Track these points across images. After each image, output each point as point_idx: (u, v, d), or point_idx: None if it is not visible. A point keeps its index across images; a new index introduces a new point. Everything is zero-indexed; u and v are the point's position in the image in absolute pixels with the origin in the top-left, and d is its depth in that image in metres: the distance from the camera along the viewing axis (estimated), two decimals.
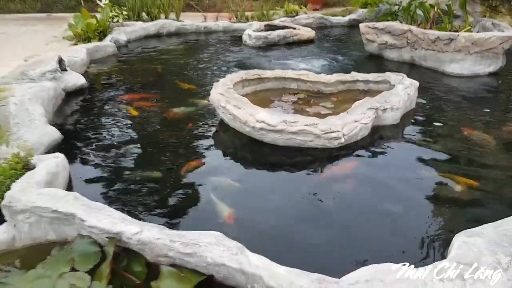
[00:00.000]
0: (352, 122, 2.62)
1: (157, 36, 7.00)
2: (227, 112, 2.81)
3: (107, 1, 7.02)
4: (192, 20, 7.77)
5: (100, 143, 2.84)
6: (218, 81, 3.24)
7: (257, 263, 1.44)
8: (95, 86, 4.14)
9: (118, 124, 3.17)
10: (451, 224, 1.95)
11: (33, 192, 1.69)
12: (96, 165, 2.52)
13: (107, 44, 5.52)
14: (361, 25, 5.09)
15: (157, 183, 2.31)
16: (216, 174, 2.41)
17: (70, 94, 3.80)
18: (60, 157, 2.20)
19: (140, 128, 3.11)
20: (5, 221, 1.75)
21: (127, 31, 6.47)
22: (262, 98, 3.31)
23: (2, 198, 1.75)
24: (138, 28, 6.78)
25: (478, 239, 1.57)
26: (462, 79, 4.25)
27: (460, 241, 1.57)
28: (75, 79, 3.91)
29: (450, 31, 4.47)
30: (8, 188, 1.83)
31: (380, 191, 2.22)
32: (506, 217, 1.72)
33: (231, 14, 8.15)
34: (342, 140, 2.55)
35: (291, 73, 3.46)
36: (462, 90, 3.95)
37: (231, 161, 2.62)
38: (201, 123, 3.16)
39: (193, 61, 5.21)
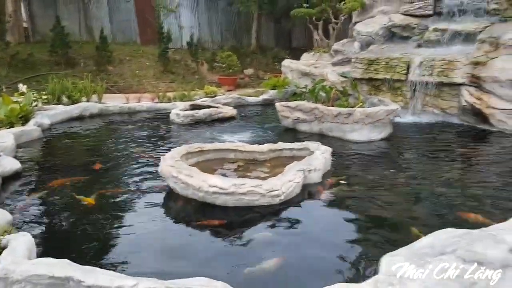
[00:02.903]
0: (288, 181, 3.15)
1: (80, 118, 7.11)
2: (180, 181, 3.15)
3: (25, 86, 7.03)
4: (114, 102, 8.07)
5: (45, 225, 2.87)
6: (163, 155, 3.59)
7: None
8: (27, 171, 4.10)
9: (60, 207, 3.20)
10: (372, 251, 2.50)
11: (26, 263, 1.80)
12: (47, 246, 2.57)
13: (33, 129, 5.49)
14: (277, 104, 5.97)
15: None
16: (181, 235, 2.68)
17: (6, 179, 3.73)
18: (28, 235, 2.28)
19: (81, 210, 3.13)
20: None
21: (50, 114, 6.50)
22: (205, 168, 3.69)
23: None
24: (60, 111, 6.85)
25: (399, 257, 2.12)
26: (361, 144, 5.19)
27: (387, 259, 2.10)
28: (12, 164, 3.86)
29: (347, 107, 5.54)
30: None
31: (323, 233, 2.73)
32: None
33: (153, 95, 8.67)
34: (282, 197, 3.04)
35: (229, 145, 3.98)
36: (362, 153, 4.85)
37: (189, 225, 2.90)
38: (152, 196, 3.41)
39: (124, 140, 5.44)
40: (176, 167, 3.25)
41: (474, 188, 3.58)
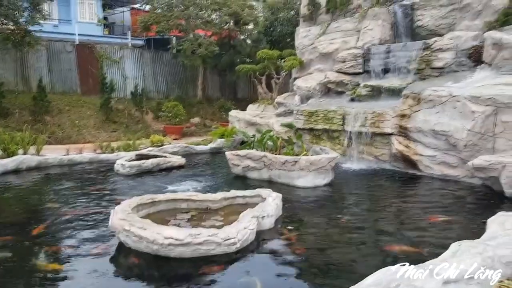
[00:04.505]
0: (243, 229, 3.23)
1: (16, 171, 6.67)
2: (132, 234, 3.08)
3: None
4: (54, 153, 7.70)
5: None
6: (113, 208, 3.50)
7: None
8: None
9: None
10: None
11: None
12: None
13: None
14: (227, 153, 6.13)
15: None
16: None
17: None
18: None
19: (20, 271, 2.93)
20: None
21: None
22: (157, 219, 3.65)
23: None
24: None
25: None
26: (307, 190, 5.45)
27: None
28: None
29: (293, 155, 5.85)
30: None
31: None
32: None
33: (95, 146, 8.41)
34: (238, 245, 3.10)
35: (181, 195, 4.00)
36: (309, 198, 5.10)
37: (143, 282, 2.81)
38: (100, 254, 3.24)
39: (62, 194, 5.15)
40: (128, 220, 3.20)
41: (405, 226, 3.96)
